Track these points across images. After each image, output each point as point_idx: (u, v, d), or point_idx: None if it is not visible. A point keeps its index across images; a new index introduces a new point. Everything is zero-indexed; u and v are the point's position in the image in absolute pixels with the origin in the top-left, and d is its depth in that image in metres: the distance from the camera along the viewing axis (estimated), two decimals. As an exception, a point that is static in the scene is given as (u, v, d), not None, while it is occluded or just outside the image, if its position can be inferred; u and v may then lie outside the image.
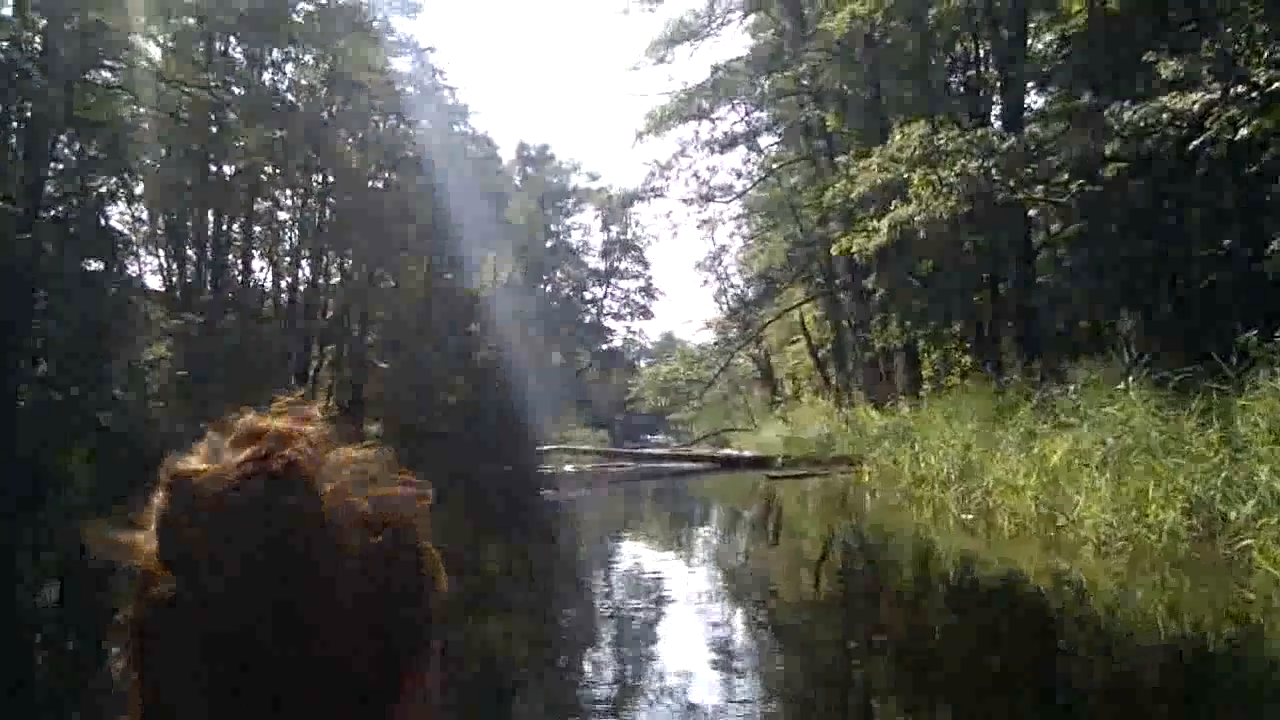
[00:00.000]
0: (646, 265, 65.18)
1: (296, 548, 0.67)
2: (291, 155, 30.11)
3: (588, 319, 65.76)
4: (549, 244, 61.22)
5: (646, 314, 66.66)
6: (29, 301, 19.22)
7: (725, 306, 64.89)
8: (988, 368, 19.30)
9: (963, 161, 15.08)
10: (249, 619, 0.66)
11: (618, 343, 67.70)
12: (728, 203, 27.60)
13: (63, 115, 18.53)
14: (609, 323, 66.26)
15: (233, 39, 25.61)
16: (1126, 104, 13.79)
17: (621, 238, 63.43)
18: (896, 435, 19.00)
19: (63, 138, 19.84)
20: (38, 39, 18.64)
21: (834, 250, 23.00)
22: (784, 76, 23.32)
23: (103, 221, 20.77)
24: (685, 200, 28.00)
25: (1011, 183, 15.30)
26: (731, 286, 46.34)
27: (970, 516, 13.16)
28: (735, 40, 25.21)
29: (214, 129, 25.69)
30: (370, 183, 38.43)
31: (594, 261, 64.44)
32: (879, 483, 18.45)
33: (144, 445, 23.75)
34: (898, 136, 16.63)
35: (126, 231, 25.73)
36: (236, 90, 26.50)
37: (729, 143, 26.39)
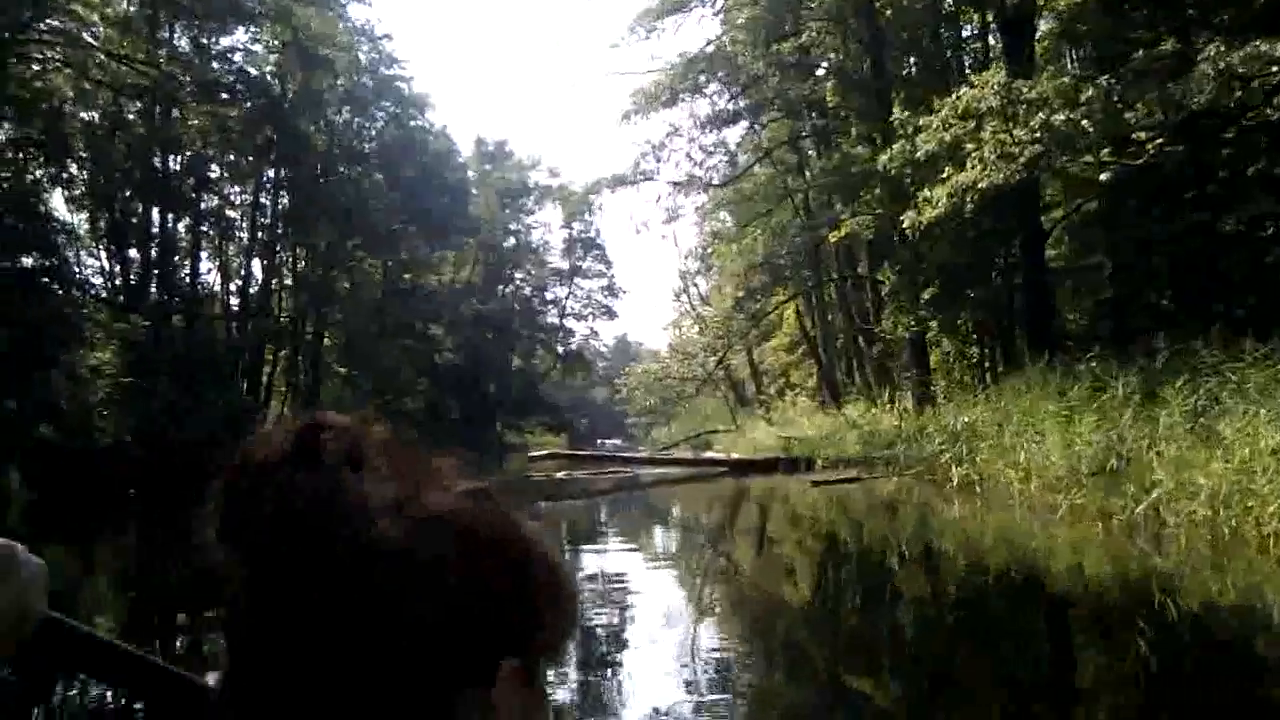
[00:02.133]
0: (609, 264, 63.68)
1: (325, 526, 0.69)
2: (248, 137, 28.04)
3: (549, 319, 64.04)
4: (509, 243, 59.40)
5: (610, 314, 65.10)
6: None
7: (706, 301, 63.75)
8: (1039, 354, 17.61)
9: (1041, 115, 13.50)
10: (294, 597, 0.68)
11: (577, 344, 66.14)
12: (722, 185, 25.97)
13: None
14: (571, 323, 64.64)
15: (179, 18, 23.46)
16: (1218, 46, 12.37)
17: (583, 235, 61.83)
18: (970, 432, 16.39)
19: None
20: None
21: (839, 232, 21.30)
22: (784, 47, 21.84)
23: (41, 210, 18.64)
24: (676, 184, 26.47)
25: (1087, 141, 13.78)
26: (723, 279, 44.83)
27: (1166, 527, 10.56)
28: (726, 16, 23.66)
29: (160, 110, 23.46)
30: (325, 176, 36.30)
31: (555, 260, 62.81)
32: (981, 487, 14.95)
33: (87, 459, 21.73)
34: (967, 88, 14.95)
35: (68, 223, 23.50)
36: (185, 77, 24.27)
37: (729, 118, 24.75)
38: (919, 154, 15.29)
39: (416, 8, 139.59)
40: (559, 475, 23.72)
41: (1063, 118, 13.61)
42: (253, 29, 27.86)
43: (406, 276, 47.03)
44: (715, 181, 26.39)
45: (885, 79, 22.25)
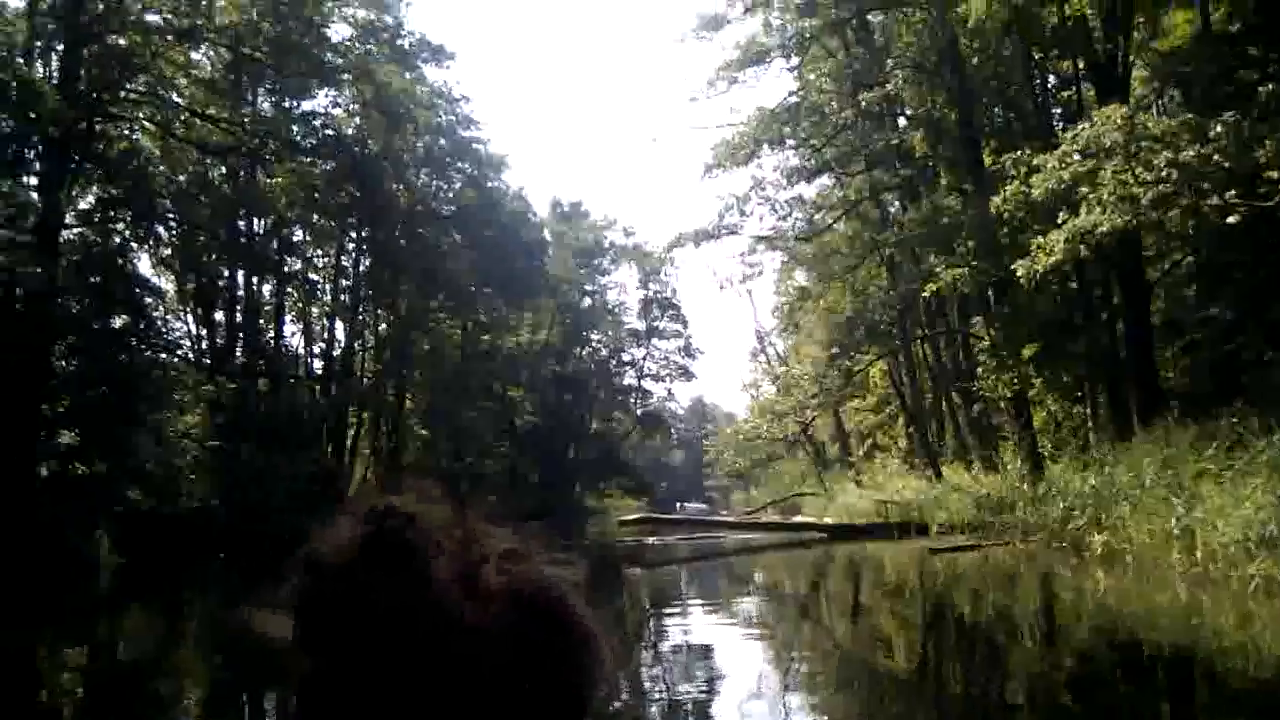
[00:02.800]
0: (685, 324, 63.05)
1: (407, 619, 0.71)
2: (330, 196, 28.20)
3: (627, 380, 63.51)
4: (585, 303, 59.23)
5: (687, 375, 64.29)
6: (46, 360, 17.17)
7: (784, 361, 62.85)
8: (1152, 412, 16.50)
9: (1167, 154, 12.65)
10: (380, 696, 0.71)
11: (655, 406, 65.40)
12: (807, 239, 25.31)
13: (82, 144, 16.63)
14: (648, 384, 63.97)
15: (264, 78, 23.63)
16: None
17: (659, 295, 61.43)
18: (1100, 495, 15.02)
19: (82, 176, 17.95)
20: (54, 61, 16.90)
21: (934, 285, 20.33)
22: (868, 97, 21.25)
23: (127, 269, 18.69)
24: (760, 238, 25.86)
25: (1218, 180, 12.87)
26: (801, 338, 43.97)
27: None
28: (805, 69, 23.23)
29: (245, 173, 23.55)
30: (406, 238, 36.49)
31: (632, 321, 62.41)
32: (1130, 556, 13.33)
33: (174, 523, 21.61)
34: (1089, 122, 14.15)
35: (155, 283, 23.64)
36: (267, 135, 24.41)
37: (814, 170, 24.12)
38: (1035, 194, 14.44)
39: (488, 69, 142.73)
40: (649, 540, 22.97)
41: (1192, 154, 12.74)
42: (333, 92, 28.10)
43: (485, 338, 46.99)
44: (799, 235, 25.76)
45: (974, 127, 21.57)
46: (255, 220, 34.38)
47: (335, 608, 0.72)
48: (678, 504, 70.22)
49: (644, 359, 63.16)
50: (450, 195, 42.54)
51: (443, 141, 40.85)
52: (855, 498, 28.14)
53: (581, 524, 41.98)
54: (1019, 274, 15.04)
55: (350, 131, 30.32)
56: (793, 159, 23.08)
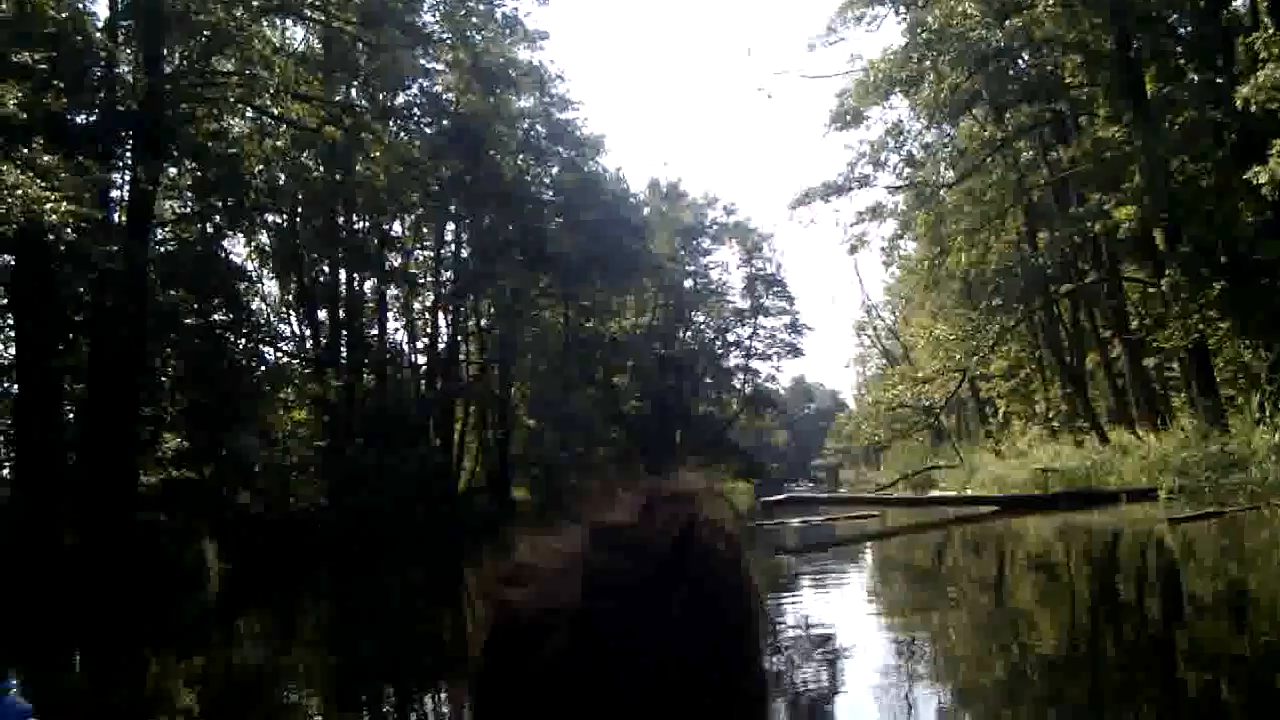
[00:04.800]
0: (791, 300, 60.84)
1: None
2: (432, 170, 26.96)
3: (733, 360, 61.66)
4: (687, 284, 57.55)
5: (795, 351, 62.05)
6: (141, 359, 16.19)
7: (895, 334, 60.20)
8: None
9: None
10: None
11: (759, 385, 63.36)
12: (948, 186, 23.05)
13: (170, 128, 15.59)
14: (756, 364, 61.93)
15: (359, 43, 22.38)
16: None
17: (763, 272, 59.39)
18: None
19: (171, 161, 16.95)
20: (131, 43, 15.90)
21: (1122, 214, 17.84)
22: (1016, 21, 18.93)
23: (221, 257, 17.67)
24: (895, 188, 23.80)
25: None
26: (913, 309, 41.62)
27: None
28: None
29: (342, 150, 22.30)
30: (507, 222, 35.35)
31: (735, 300, 60.48)
32: None
33: (283, 525, 20.70)
34: None
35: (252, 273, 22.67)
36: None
37: (957, 108, 21.75)
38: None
39: (576, 46, 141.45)
40: (794, 522, 21.22)
41: None
42: (429, 60, 26.67)
43: (589, 324, 45.72)
44: (941, 182, 23.49)
45: (1132, 50, 19.21)
46: (354, 216, 33.71)
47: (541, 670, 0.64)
48: (785, 485, 68.27)
49: (750, 338, 61.18)
50: (548, 180, 41.32)
51: (540, 127, 39.64)
52: (1001, 468, 25.86)
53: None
54: (1261, 181, 12.77)
55: (451, 98, 28.94)
56: (933, 96, 20.79)
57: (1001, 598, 11.81)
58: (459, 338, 39.08)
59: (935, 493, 27.27)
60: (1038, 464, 22.75)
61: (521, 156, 38.58)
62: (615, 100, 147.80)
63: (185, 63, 17.21)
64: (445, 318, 38.41)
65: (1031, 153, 24.21)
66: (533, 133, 38.85)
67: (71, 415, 17.80)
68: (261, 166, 21.06)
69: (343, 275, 33.99)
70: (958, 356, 23.75)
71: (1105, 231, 19.49)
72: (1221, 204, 17.37)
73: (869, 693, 7.02)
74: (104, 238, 14.54)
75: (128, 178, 16.96)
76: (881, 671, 7.61)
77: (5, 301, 17.15)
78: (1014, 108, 20.71)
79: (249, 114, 19.92)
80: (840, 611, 10.71)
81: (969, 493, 23.33)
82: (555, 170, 41.60)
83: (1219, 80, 16.65)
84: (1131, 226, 18.79)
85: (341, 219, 32.83)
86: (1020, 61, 20.49)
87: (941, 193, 22.52)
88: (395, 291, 37.20)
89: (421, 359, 39.45)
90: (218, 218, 18.63)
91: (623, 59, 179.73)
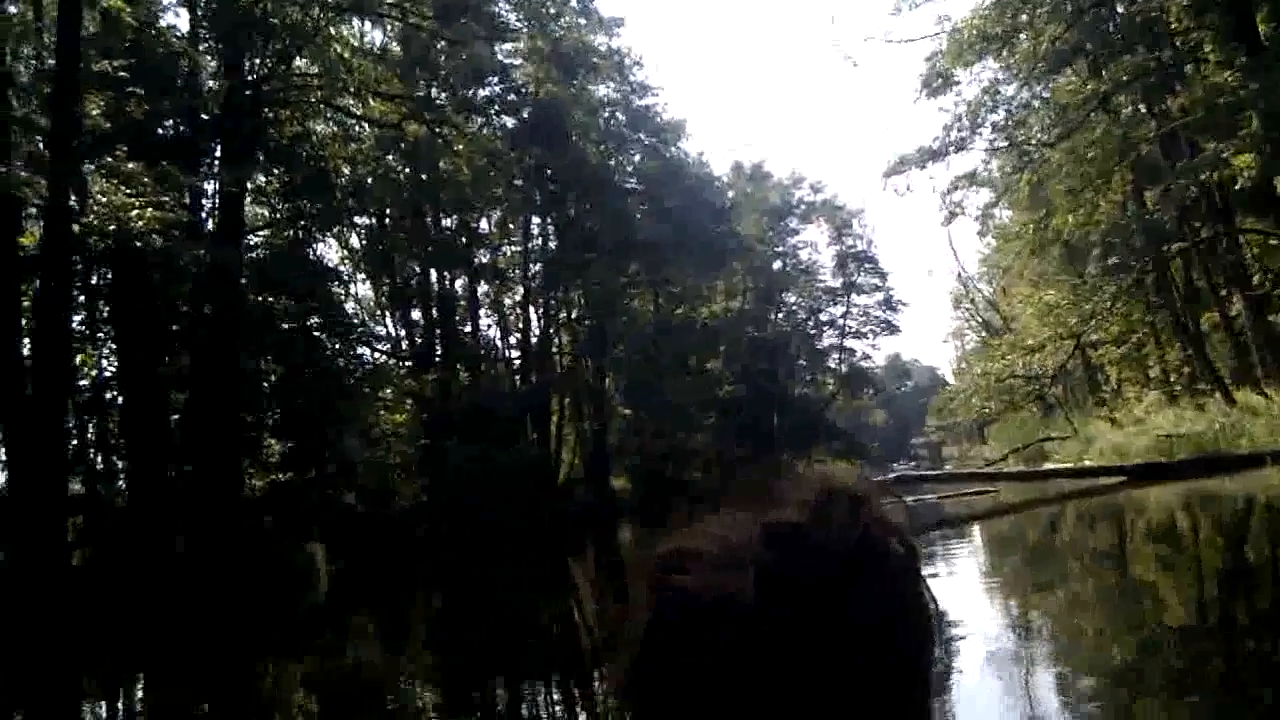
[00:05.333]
0: (884, 277, 59.50)
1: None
2: (516, 158, 26.82)
3: (827, 340, 60.63)
4: (776, 265, 56.70)
5: (891, 328, 60.74)
6: (236, 363, 16.35)
7: (994, 306, 58.48)
8: None
9: None
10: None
11: (860, 364, 62.26)
12: (1051, 144, 21.93)
13: (253, 131, 15.68)
14: (851, 343, 60.76)
15: (437, 40, 22.26)
16: None
17: (853, 250, 58.23)
18: None
19: (258, 164, 17.08)
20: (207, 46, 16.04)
21: (1218, 176, 16.83)
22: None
23: (312, 259, 17.78)
24: (994, 149, 22.85)
25: None
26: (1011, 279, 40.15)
27: None
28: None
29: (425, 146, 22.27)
30: (591, 211, 35.19)
31: (827, 280, 59.43)
32: None
33: (387, 523, 20.86)
34: None
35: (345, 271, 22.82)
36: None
37: (1058, 62, 20.64)
38: None
39: (649, 26, 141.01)
40: (908, 500, 20.50)
41: None
42: (508, 48, 26.48)
43: (679, 310, 45.33)
44: (1044, 141, 22.36)
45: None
46: (442, 214, 33.96)
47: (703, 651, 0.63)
48: (888, 465, 66.99)
49: (844, 316, 60.05)
50: (630, 168, 41.01)
51: (620, 115, 39.40)
52: (1119, 436, 24.73)
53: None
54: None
55: (531, 88, 28.77)
56: (1032, 49, 19.72)
57: (1180, 582, 10.57)
58: (551, 330, 39.11)
59: (1050, 465, 26.22)
60: (1159, 430, 21.66)
61: (603, 145, 38.40)
62: (695, 82, 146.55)
63: (266, 67, 17.31)
64: (536, 311, 38.51)
65: (1134, 107, 22.92)
66: (612, 121, 38.63)
67: (176, 423, 18.12)
68: (348, 169, 21.22)
69: (434, 274, 34.32)
70: (1073, 321, 22.70)
71: (1221, 182, 18.38)
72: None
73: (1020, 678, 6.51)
74: (194, 244, 14.72)
75: (217, 186, 17.20)
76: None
77: (108, 312, 17.54)
78: (1115, 60, 19.61)
79: (331, 115, 19.99)
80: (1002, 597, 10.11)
81: (1087, 463, 22.31)
82: (637, 158, 41.29)
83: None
84: (1250, 176, 17.70)
85: (429, 218, 33.11)
86: (1118, 10, 19.36)
87: (1044, 152, 21.49)
88: (486, 288, 37.52)
89: (515, 353, 39.65)
90: (305, 221, 18.71)
91: (701, 39, 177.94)
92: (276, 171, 18.52)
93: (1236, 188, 18.32)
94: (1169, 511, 15.97)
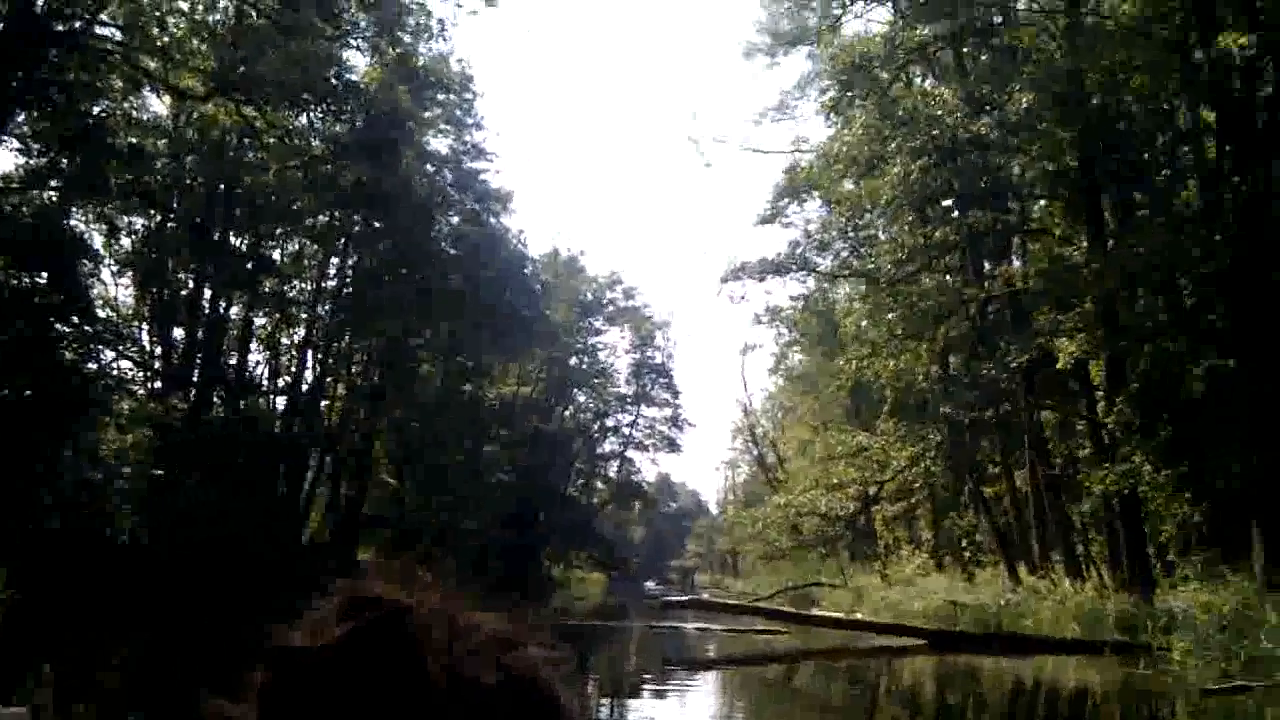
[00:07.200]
0: (676, 394, 59.43)
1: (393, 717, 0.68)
2: (334, 173, 24.37)
3: (609, 447, 59.64)
4: (573, 361, 55.56)
5: (673, 446, 60.42)
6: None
7: (774, 444, 59.10)
8: None
9: None
10: None
11: (625, 478, 61.38)
12: (892, 285, 21.42)
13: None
14: (632, 453, 60.02)
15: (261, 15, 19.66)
16: None
17: (652, 361, 57.96)
18: None
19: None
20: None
21: (1070, 348, 16.85)
22: (983, 122, 18.01)
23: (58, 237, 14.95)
24: (832, 275, 22.42)
25: None
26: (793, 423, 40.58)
27: None
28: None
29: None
30: (397, 264, 32.98)
31: (620, 386, 58.68)
32: None
33: (102, 555, 17.80)
34: None
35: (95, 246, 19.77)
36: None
37: (921, 199, 20.04)
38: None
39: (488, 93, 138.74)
40: (690, 628, 19.00)
41: None
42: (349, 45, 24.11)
43: (466, 386, 43.05)
44: (888, 277, 22.04)
45: (1095, 173, 18.49)
46: (231, 233, 30.93)
47: (311, 706, 0.67)
48: (641, 583, 66.12)
49: (630, 425, 59.40)
50: (447, 229, 38.91)
51: (448, 172, 37.60)
52: (890, 594, 24.36)
53: (546, 597, 38.02)
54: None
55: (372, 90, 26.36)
56: (902, 179, 19.38)
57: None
58: (327, 379, 36.15)
59: (816, 611, 25.54)
60: (937, 594, 21.27)
61: (428, 196, 36.31)
62: (532, 154, 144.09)
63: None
64: (314, 355, 35.48)
65: (971, 264, 23.14)
66: (439, 176, 36.74)
67: None
68: (132, 138, 18.32)
69: (208, 293, 30.99)
70: (876, 468, 22.34)
71: (1032, 359, 18.45)
72: (1174, 345, 16.56)
73: None
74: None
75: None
76: None
77: None
78: (973, 209, 19.70)
79: (126, 72, 17.17)
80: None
81: (858, 617, 21.59)
82: (456, 219, 39.26)
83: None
84: (1071, 354, 17.83)
85: (217, 233, 30.03)
86: (983, 161, 19.53)
87: (850, 292, 21.39)
88: (264, 320, 34.32)
89: (282, 399, 36.24)
90: (61, 183, 15.78)
91: (538, 115, 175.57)
92: (38, 113, 15.57)
93: (1059, 366, 18.41)
94: (1022, 702, 13.99)
